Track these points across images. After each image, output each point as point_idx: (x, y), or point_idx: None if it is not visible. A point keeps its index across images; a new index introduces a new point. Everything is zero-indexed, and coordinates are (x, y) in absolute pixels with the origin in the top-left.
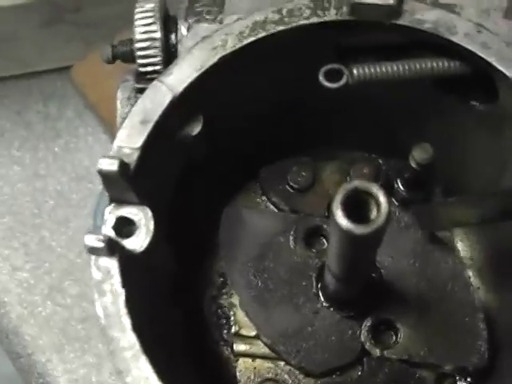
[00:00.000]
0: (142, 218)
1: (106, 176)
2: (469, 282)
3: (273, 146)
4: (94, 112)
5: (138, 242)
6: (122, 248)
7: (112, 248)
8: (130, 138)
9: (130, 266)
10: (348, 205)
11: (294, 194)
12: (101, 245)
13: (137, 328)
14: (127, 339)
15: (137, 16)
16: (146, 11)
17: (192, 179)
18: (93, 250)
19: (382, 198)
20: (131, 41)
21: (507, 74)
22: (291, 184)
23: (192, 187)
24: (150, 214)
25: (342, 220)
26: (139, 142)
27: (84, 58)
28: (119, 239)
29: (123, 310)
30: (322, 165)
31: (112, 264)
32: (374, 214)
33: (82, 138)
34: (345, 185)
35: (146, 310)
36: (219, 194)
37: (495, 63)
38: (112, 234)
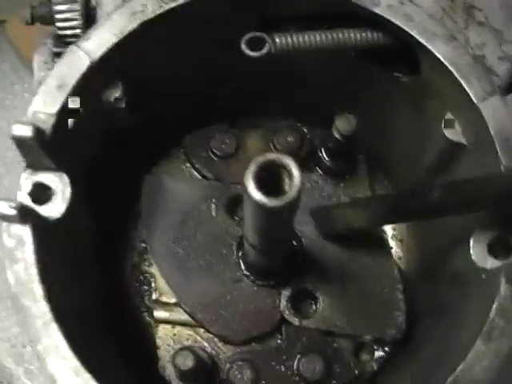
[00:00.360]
0: (59, 185)
1: (20, 142)
2: (390, 253)
3: (197, 113)
4: (30, 69)
5: (54, 209)
6: (38, 215)
7: (25, 215)
8: (46, 104)
9: (47, 232)
10: (261, 177)
11: (217, 161)
12: (13, 212)
13: (50, 296)
14: (38, 307)
15: None
16: None
17: (114, 145)
18: (5, 218)
19: (295, 171)
20: (50, 2)
21: (429, 47)
22: (214, 151)
23: (114, 153)
24: (67, 180)
25: (254, 193)
26: (55, 107)
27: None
28: (35, 206)
29: (35, 278)
30: (246, 133)
31: (25, 231)
32: (287, 186)
33: (19, 95)
34: (257, 157)
35: (64, 277)
36: (142, 161)
37: (417, 36)
38: (27, 200)
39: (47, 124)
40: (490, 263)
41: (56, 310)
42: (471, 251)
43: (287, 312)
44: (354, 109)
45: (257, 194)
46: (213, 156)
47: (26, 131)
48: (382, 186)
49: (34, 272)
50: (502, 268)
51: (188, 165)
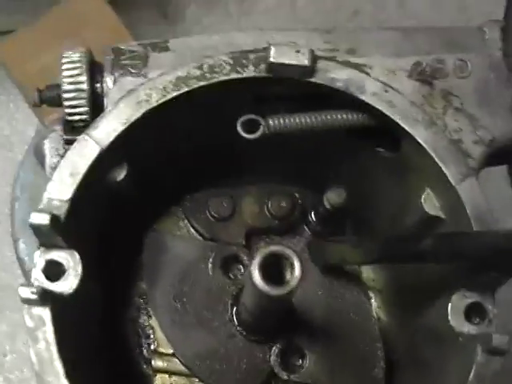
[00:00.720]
0: (71, 262)
1: (37, 228)
2: (370, 313)
3: (196, 178)
4: (16, 82)
5: (66, 285)
6: (52, 292)
7: (44, 298)
8: (60, 191)
9: (61, 308)
10: (265, 265)
11: (214, 222)
12: (34, 297)
13: (68, 372)
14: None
15: (64, 66)
16: (73, 62)
17: (118, 212)
18: (27, 301)
19: (296, 263)
20: (58, 86)
21: (409, 131)
22: (212, 213)
23: (118, 219)
24: (77, 257)
25: (258, 282)
26: (68, 194)
27: (14, 34)
28: (49, 283)
29: (56, 356)
30: (242, 196)
31: (44, 312)
32: (288, 274)
33: (3, 106)
34: (262, 249)
35: (76, 348)
36: (144, 220)
37: (399, 121)
38: (41, 277)
39: (61, 210)
40: (467, 329)
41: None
42: (449, 316)
43: (277, 367)
44: (340, 176)
45: (261, 283)
46: (210, 217)
47: (43, 220)
48: None
49: (54, 351)
50: (478, 336)
51: (186, 222)
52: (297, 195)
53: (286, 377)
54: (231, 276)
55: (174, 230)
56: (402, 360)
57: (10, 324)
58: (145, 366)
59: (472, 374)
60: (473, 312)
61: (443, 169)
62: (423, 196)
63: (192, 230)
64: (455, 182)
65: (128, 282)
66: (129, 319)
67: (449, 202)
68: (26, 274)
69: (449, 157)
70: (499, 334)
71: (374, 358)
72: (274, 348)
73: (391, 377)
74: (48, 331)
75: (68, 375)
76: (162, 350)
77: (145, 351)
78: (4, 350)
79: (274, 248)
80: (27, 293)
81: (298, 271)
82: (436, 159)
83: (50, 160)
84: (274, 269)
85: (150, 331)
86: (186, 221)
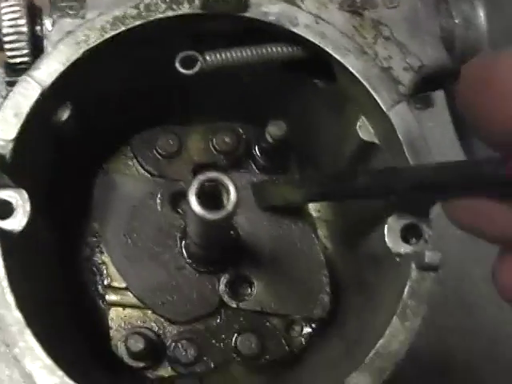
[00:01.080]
0: (19, 200)
1: None
2: (316, 242)
3: (142, 116)
4: None
5: (15, 223)
6: (1, 229)
7: None
8: (4, 131)
9: (11, 244)
10: (202, 192)
11: (161, 160)
12: None
13: (20, 303)
14: (12, 315)
15: (3, 10)
16: (12, 5)
17: (65, 153)
18: None
19: (231, 188)
20: None
21: (341, 61)
22: (159, 151)
23: (66, 160)
24: (26, 196)
25: (196, 207)
26: (13, 134)
27: None
28: None
29: (7, 289)
30: (188, 134)
31: None
32: (225, 199)
33: None
34: (198, 175)
35: (29, 281)
36: (92, 160)
37: (331, 51)
38: None
39: (5, 149)
40: (403, 249)
41: (27, 315)
42: (385, 237)
43: (226, 296)
44: (283, 111)
45: (197, 208)
46: (157, 155)
47: None
48: None
49: (5, 284)
50: (412, 254)
51: (135, 161)
52: (241, 130)
53: (234, 305)
54: (179, 211)
55: (123, 169)
56: (347, 285)
57: None
58: (100, 301)
59: (406, 291)
60: (409, 233)
61: (375, 96)
62: (358, 123)
63: (140, 168)
64: (387, 108)
65: (81, 221)
66: (83, 258)
67: (382, 128)
68: None
69: (380, 84)
70: (432, 251)
71: (319, 284)
72: (222, 278)
73: (337, 302)
74: None
75: (20, 308)
76: (115, 284)
77: (100, 288)
78: None
79: (210, 174)
80: None
81: (233, 196)
82: (368, 87)
83: None
84: (212, 197)
85: (104, 267)
86: (134, 160)
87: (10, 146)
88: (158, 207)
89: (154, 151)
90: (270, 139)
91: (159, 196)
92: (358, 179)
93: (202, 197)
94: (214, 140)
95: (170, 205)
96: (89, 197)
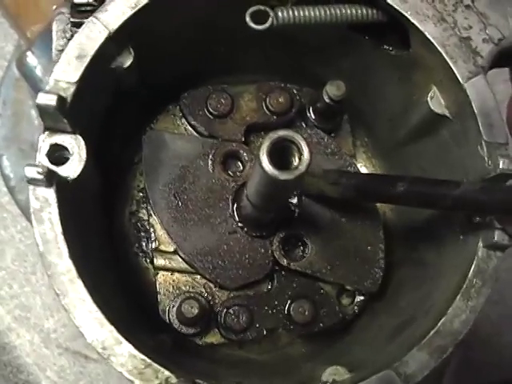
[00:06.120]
0: (75, 146)
1: (43, 109)
2: (378, 214)
3: (195, 73)
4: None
5: (71, 169)
6: (57, 175)
7: (50, 179)
8: (67, 73)
9: (65, 192)
10: (273, 151)
11: (212, 119)
12: (40, 176)
13: (72, 253)
14: (64, 265)
15: None
16: None
17: (120, 105)
18: (32, 181)
19: (305, 147)
20: None
21: (420, 27)
22: (210, 110)
23: (119, 112)
24: (82, 142)
25: (267, 166)
26: (76, 76)
27: None
28: (53, 167)
29: (60, 237)
30: (240, 94)
31: (50, 194)
32: (296, 160)
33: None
34: (270, 134)
35: (78, 233)
36: (143, 116)
37: (410, 17)
38: (46, 161)
39: (67, 92)
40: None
41: (78, 267)
42: None
43: (277, 253)
44: (342, 74)
45: (269, 167)
46: (208, 114)
47: (50, 100)
48: (363, 143)
49: (59, 231)
50: (480, 233)
51: (184, 121)
52: (295, 91)
53: (286, 264)
54: (230, 173)
55: (171, 128)
56: (402, 263)
57: None
58: (143, 260)
59: (472, 269)
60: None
61: (452, 66)
62: (429, 94)
63: (190, 127)
64: (463, 79)
65: (128, 175)
66: (129, 211)
67: (456, 100)
68: (12, 191)
69: (458, 54)
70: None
71: (374, 258)
72: (275, 236)
73: (389, 277)
74: (53, 212)
75: (72, 258)
76: (163, 248)
77: (144, 245)
78: None
79: (282, 133)
80: (33, 172)
81: (306, 155)
82: (445, 56)
83: (56, 42)
84: (280, 157)
85: (151, 229)
86: (183, 119)
87: (72, 88)
88: (209, 168)
89: (206, 110)
90: (327, 99)
91: (210, 157)
92: (399, 184)
93: (273, 157)
94: (268, 100)
95: (221, 166)
96: (137, 152)
